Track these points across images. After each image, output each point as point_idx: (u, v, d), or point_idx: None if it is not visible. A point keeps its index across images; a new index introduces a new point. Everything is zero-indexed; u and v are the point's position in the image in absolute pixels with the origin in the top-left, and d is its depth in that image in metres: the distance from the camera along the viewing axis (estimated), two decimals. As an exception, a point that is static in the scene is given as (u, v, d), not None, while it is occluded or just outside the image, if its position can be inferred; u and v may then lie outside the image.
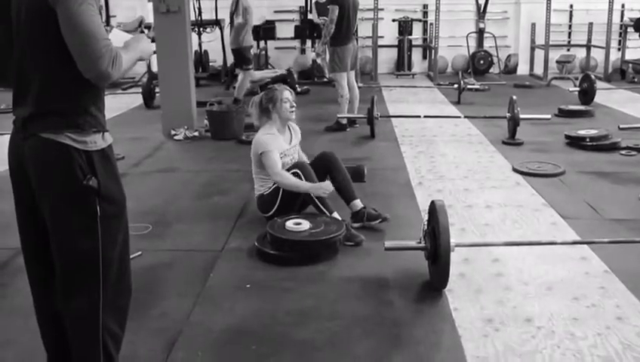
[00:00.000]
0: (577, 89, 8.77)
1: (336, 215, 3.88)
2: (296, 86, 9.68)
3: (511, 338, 2.70)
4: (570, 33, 12.89)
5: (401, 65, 12.36)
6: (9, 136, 2.01)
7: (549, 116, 6.87)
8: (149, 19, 9.81)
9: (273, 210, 4.02)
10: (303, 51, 12.37)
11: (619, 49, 12.16)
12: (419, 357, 2.59)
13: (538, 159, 5.65)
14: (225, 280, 3.32)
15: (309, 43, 12.10)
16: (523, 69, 12.58)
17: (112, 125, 2.08)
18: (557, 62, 11.59)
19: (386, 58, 12.58)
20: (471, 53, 12.15)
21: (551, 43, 11.56)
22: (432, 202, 3.17)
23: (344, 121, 7.14)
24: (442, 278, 3.06)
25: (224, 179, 5.21)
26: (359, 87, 7.79)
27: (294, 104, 4.17)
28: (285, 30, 11.96)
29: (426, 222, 3.24)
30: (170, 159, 6.02)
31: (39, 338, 2.19)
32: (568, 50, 12.43)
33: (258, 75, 9.60)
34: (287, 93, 4.15)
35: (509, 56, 12.74)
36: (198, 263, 3.53)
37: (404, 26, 12.31)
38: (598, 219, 4.21)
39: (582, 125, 6.87)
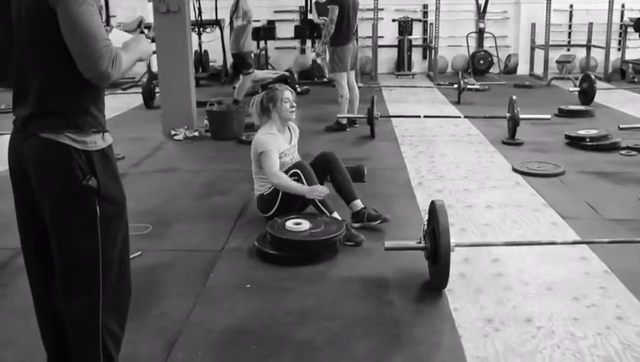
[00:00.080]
0: (577, 89, 8.77)
1: (336, 215, 3.89)
2: (297, 86, 9.69)
3: (511, 339, 2.70)
4: (570, 33, 12.90)
5: (401, 65, 12.36)
6: (9, 136, 2.01)
7: (549, 116, 6.87)
8: (149, 19, 9.81)
9: (273, 210, 4.02)
10: (303, 51, 12.37)
11: (619, 49, 12.16)
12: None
13: (538, 159, 5.65)
14: (225, 280, 3.32)
15: (309, 43, 12.10)
16: (523, 69, 12.58)
17: (112, 125, 2.08)
18: (557, 62, 11.60)
19: (386, 58, 12.59)
20: (471, 53, 12.16)
21: (551, 43, 11.56)
22: (432, 202, 3.17)
23: (344, 121, 7.14)
24: (442, 278, 3.06)
25: (224, 179, 5.21)
26: (359, 87, 7.79)
27: (294, 104, 4.18)
28: (285, 30, 11.96)
29: (426, 222, 3.24)
30: (170, 159, 6.02)
31: (39, 338, 2.19)
32: (568, 50, 12.43)
33: (260, 74, 9.61)
34: (287, 93, 4.16)
35: (509, 56, 12.74)
36: (198, 263, 3.53)
37: (404, 26, 12.32)
38: (598, 219, 4.21)
39: (582, 125, 6.87)
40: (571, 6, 12.78)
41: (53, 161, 1.89)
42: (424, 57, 13.16)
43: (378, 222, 3.97)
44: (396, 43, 12.52)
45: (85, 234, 1.94)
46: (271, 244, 3.59)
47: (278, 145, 4.09)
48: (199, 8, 10.64)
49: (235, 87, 8.84)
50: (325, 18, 7.50)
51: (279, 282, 3.27)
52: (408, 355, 2.60)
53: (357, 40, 8.94)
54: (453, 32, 12.49)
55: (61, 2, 1.78)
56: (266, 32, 11.35)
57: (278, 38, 11.84)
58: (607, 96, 9.35)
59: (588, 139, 6.17)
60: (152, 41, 6.44)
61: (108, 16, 12.10)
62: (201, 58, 11.13)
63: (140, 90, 9.13)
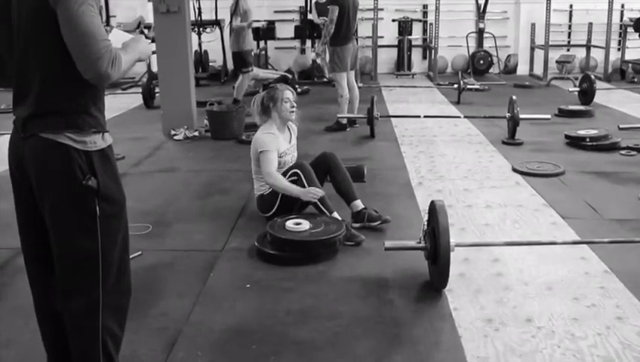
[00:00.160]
0: (577, 89, 8.77)
1: (336, 215, 3.89)
2: (297, 86, 9.69)
3: (511, 339, 2.70)
4: (570, 33, 12.90)
5: (401, 65, 12.37)
6: (9, 136, 2.01)
7: (548, 116, 6.88)
8: (149, 19, 9.82)
9: (273, 210, 4.02)
10: (302, 51, 12.37)
11: (619, 49, 12.16)
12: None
13: (538, 159, 5.65)
14: (225, 280, 3.32)
15: (309, 43, 12.09)
16: (523, 69, 12.59)
17: (112, 125, 2.08)
18: (557, 62, 11.60)
19: (386, 58, 12.59)
20: (471, 53, 12.16)
21: (551, 43, 11.57)
22: (432, 202, 3.17)
23: (344, 121, 7.14)
24: (442, 278, 3.06)
25: (224, 179, 5.21)
26: (359, 87, 7.80)
27: (295, 104, 4.18)
28: (285, 30, 11.96)
29: (425, 222, 3.24)
30: (170, 159, 6.02)
31: (39, 338, 2.19)
32: (568, 50, 12.43)
33: (262, 74, 9.60)
34: (288, 93, 4.17)
35: (508, 56, 12.75)
36: (198, 263, 3.53)
37: (404, 26, 12.32)
38: (598, 219, 4.21)
39: (582, 125, 6.88)
40: (571, 6, 12.78)
41: (53, 161, 1.89)
42: (424, 57, 13.16)
43: (378, 222, 3.97)
44: (396, 43, 12.52)
45: (85, 234, 1.94)
46: (271, 244, 3.59)
47: (278, 144, 4.09)
48: (199, 8, 10.64)
49: (235, 86, 8.84)
50: (325, 18, 7.49)
51: (279, 282, 3.28)
52: (408, 355, 2.60)
53: (357, 40, 8.93)
54: (453, 32, 12.48)
55: (61, 2, 1.78)
56: (266, 32, 11.35)
57: (278, 38, 11.83)
58: (606, 96, 9.35)
59: (588, 139, 6.18)
60: (152, 41, 6.46)
61: (108, 17, 12.10)
62: (201, 58, 11.14)
63: (140, 90, 9.13)
